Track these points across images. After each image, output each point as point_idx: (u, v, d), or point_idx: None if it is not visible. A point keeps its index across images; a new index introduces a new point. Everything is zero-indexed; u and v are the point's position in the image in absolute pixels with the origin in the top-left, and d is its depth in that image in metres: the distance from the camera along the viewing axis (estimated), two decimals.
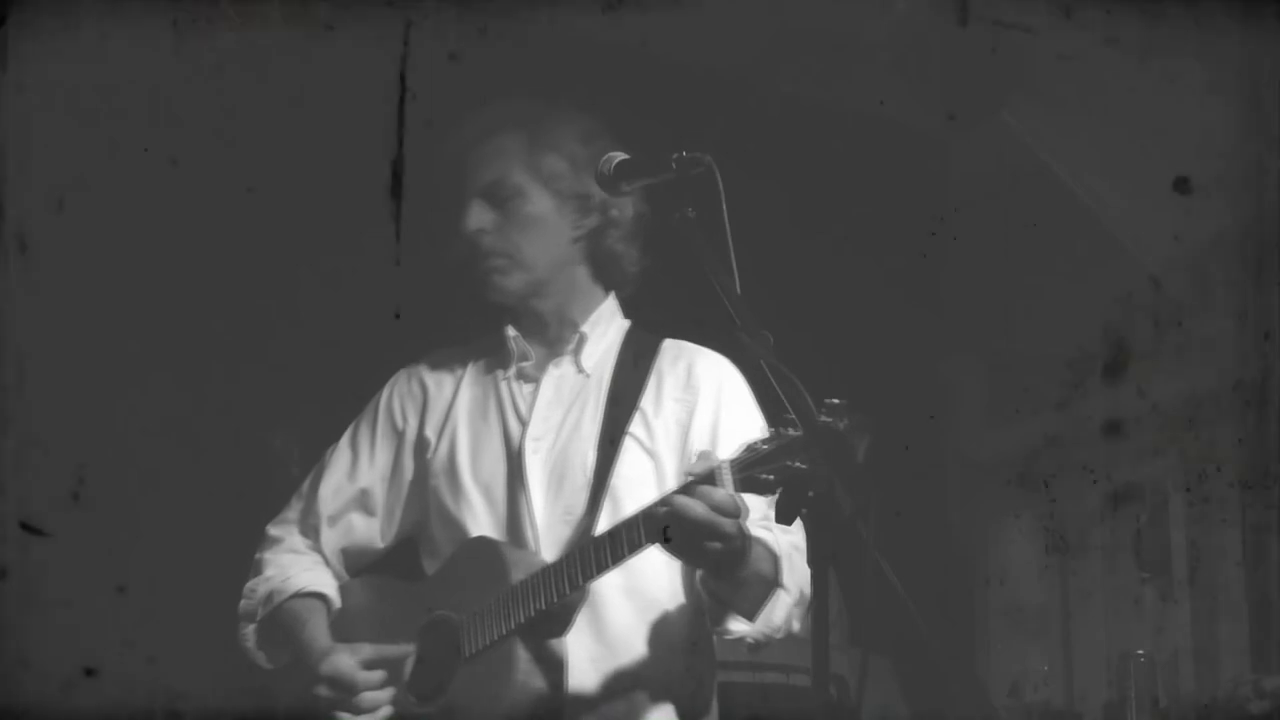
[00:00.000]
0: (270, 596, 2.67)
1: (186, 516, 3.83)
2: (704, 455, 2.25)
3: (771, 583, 2.37)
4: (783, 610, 2.37)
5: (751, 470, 2.18)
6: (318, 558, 2.73)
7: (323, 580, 2.69)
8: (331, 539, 2.74)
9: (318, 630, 2.60)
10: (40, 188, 3.68)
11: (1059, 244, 5.08)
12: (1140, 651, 4.32)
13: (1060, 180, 4.77)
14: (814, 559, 2.04)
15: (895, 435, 4.47)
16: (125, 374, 3.84)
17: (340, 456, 2.78)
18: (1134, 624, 5.04)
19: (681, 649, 2.50)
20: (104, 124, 3.76)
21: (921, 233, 5.13)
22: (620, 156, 2.45)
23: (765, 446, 2.18)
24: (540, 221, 2.64)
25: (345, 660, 2.52)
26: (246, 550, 3.86)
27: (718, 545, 2.24)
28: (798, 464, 2.13)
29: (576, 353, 2.67)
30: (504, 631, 2.40)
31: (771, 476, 2.16)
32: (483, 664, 2.42)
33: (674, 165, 2.36)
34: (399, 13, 3.80)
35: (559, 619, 2.42)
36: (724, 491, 2.22)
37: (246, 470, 3.93)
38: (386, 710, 2.50)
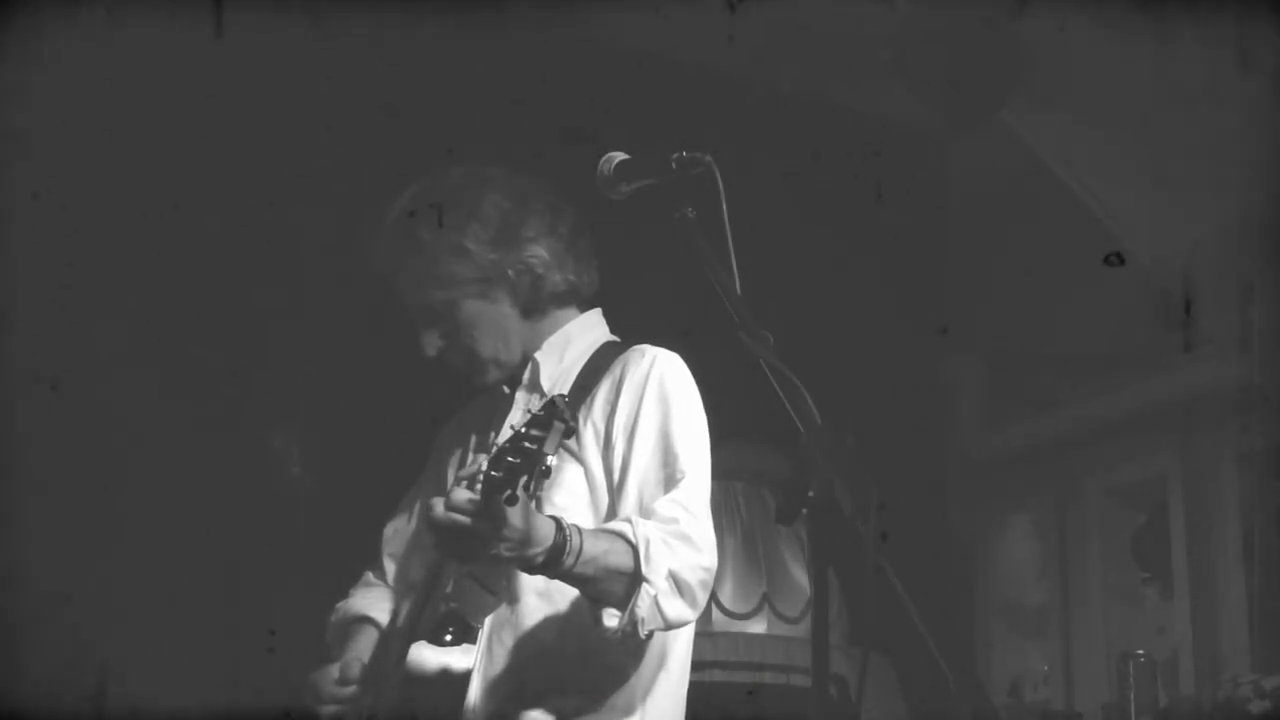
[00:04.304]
0: (332, 622, 2.83)
1: (187, 516, 3.84)
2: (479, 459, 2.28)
3: (633, 575, 2.36)
4: (645, 602, 2.34)
5: (496, 467, 2.16)
6: (382, 587, 2.84)
7: (372, 605, 2.80)
8: (394, 572, 2.85)
9: (352, 647, 2.73)
10: (36, 181, 3.69)
11: (1058, 244, 5.09)
12: (1140, 651, 4.32)
13: (1060, 180, 4.78)
14: (814, 559, 2.02)
15: (896, 435, 4.50)
16: (124, 373, 3.84)
17: (406, 498, 2.88)
18: (1134, 624, 5.05)
19: (598, 647, 2.46)
20: (106, 118, 3.77)
21: (921, 232, 5.14)
22: (620, 156, 2.44)
23: (507, 444, 2.16)
24: (479, 316, 2.65)
25: (327, 672, 2.63)
26: (247, 549, 3.87)
27: (472, 545, 2.24)
28: (527, 445, 2.13)
29: (535, 378, 2.68)
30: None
31: (499, 474, 2.14)
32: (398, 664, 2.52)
33: (674, 165, 2.35)
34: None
35: (469, 627, 2.50)
36: (464, 492, 2.22)
37: (246, 470, 3.93)
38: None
